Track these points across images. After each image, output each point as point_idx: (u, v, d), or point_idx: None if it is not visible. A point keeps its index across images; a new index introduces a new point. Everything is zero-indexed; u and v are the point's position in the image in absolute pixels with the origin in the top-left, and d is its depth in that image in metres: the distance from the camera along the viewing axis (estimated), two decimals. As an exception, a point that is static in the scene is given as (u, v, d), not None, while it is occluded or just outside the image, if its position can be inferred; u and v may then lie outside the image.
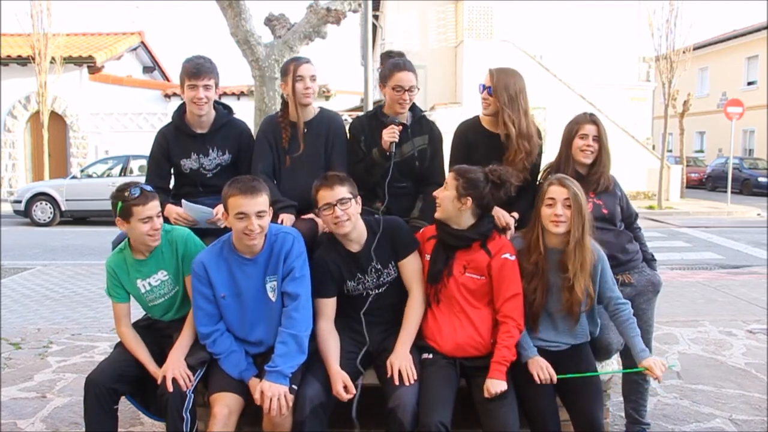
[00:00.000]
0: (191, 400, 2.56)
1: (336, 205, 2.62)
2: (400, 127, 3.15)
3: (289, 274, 2.65)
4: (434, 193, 2.78)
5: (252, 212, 2.52)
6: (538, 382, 2.58)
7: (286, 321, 2.61)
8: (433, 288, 2.76)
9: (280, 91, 3.39)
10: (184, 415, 2.52)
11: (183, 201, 3.11)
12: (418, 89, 3.22)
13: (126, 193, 2.65)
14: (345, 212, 2.63)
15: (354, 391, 2.58)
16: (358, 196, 2.74)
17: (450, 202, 2.70)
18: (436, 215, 2.76)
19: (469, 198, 2.68)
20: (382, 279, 2.80)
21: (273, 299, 2.67)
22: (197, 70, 3.09)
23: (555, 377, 2.60)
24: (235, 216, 2.53)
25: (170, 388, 2.54)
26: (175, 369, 2.59)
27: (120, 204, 2.65)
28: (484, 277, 2.70)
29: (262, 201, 2.55)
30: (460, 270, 2.71)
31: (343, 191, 2.65)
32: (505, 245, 2.75)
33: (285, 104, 3.26)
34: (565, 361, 2.69)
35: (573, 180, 2.74)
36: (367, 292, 2.80)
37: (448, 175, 2.76)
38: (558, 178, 2.74)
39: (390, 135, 3.11)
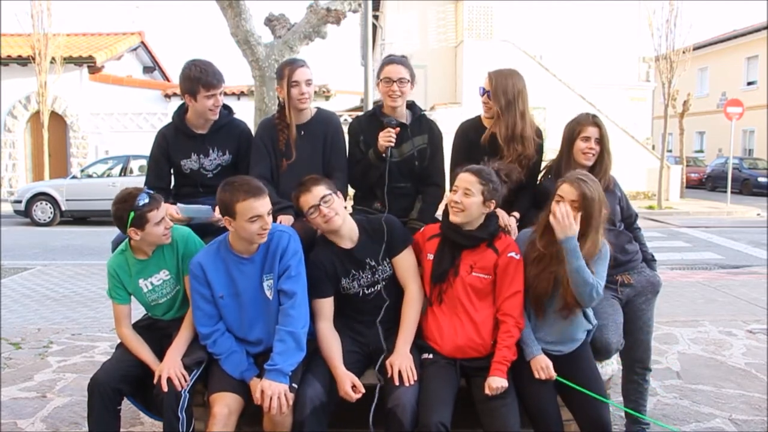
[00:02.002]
0: (186, 399, 2.56)
1: (320, 205, 2.64)
2: (397, 129, 3.13)
3: (285, 272, 2.65)
4: (456, 199, 2.70)
5: (264, 212, 2.55)
6: (537, 377, 2.59)
7: (283, 319, 2.62)
8: (438, 288, 2.75)
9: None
10: (179, 414, 2.53)
11: (178, 204, 3.11)
12: (412, 84, 3.17)
13: (135, 202, 2.62)
14: (331, 208, 2.65)
15: (363, 390, 2.58)
16: (338, 192, 2.76)
17: (477, 208, 2.68)
18: (457, 220, 2.70)
19: (494, 201, 2.71)
20: (377, 276, 2.80)
21: (270, 297, 2.68)
22: (217, 80, 3.10)
23: (554, 375, 2.60)
24: (248, 220, 2.52)
25: (165, 388, 2.54)
26: (170, 369, 2.59)
27: (132, 214, 2.62)
28: (491, 275, 2.71)
29: (268, 200, 2.59)
30: (467, 270, 2.71)
31: (321, 190, 2.67)
32: (511, 244, 2.77)
33: (282, 106, 3.24)
34: (565, 363, 2.68)
35: (587, 179, 2.68)
36: (363, 290, 2.80)
37: (470, 179, 2.69)
38: (569, 179, 2.68)
39: (386, 139, 3.08)
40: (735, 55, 28.05)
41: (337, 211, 2.67)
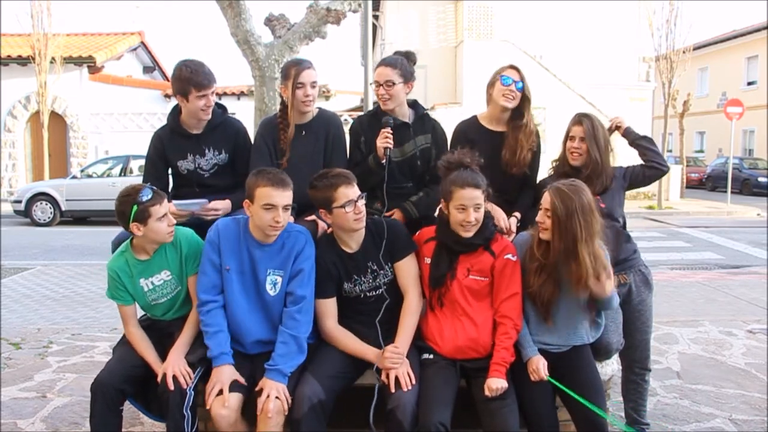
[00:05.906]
0: (192, 397, 2.57)
1: (357, 201, 2.65)
2: (391, 131, 3.10)
3: (298, 275, 2.66)
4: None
5: (280, 204, 2.55)
6: (532, 379, 2.59)
7: (289, 322, 2.63)
8: (436, 292, 2.74)
9: (279, 91, 3.39)
10: (185, 412, 2.53)
11: (174, 201, 3.11)
12: (409, 83, 3.15)
13: (138, 197, 2.63)
14: (364, 207, 2.68)
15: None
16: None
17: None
18: (467, 236, 2.67)
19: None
20: (378, 281, 2.79)
21: (272, 293, 2.68)
22: (208, 81, 3.10)
23: (544, 376, 2.57)
24: (263, 206, 2.55)
25: (171, 386, 2.54)
26: (175, 366, 2.60)
27: (135, 207, 2.62)
28: (488, 278, 2.70)
29: (289, 195, 2.59)
30: (464, 273, 2.70)
31: (358, 188, 2.69)
32: (508, 246, 2.75)
33: (284, 106, 3.23)
34: (564, 363, 2.68)
35: (566, 187, 2.61)
36: (364, 294, 2.79)
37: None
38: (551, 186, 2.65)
39: (383, 142, 3.06)
40: (735, 55, 28.04)
41: (365, 212, 2.70)
